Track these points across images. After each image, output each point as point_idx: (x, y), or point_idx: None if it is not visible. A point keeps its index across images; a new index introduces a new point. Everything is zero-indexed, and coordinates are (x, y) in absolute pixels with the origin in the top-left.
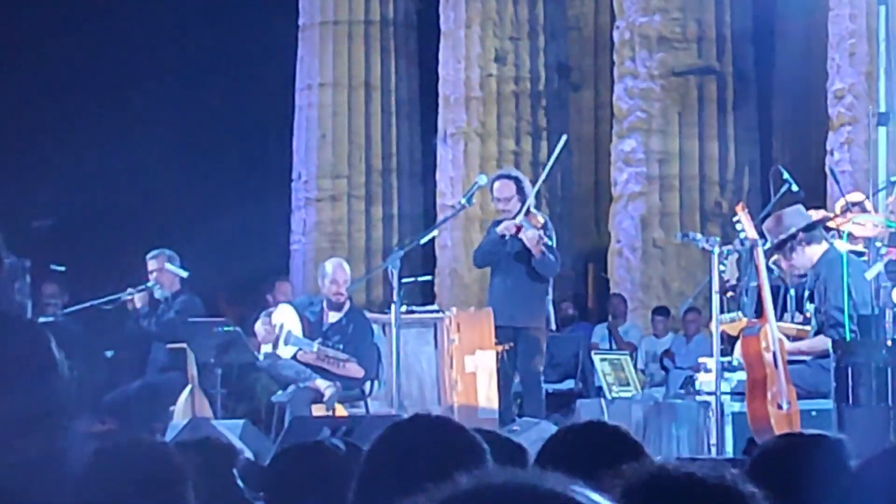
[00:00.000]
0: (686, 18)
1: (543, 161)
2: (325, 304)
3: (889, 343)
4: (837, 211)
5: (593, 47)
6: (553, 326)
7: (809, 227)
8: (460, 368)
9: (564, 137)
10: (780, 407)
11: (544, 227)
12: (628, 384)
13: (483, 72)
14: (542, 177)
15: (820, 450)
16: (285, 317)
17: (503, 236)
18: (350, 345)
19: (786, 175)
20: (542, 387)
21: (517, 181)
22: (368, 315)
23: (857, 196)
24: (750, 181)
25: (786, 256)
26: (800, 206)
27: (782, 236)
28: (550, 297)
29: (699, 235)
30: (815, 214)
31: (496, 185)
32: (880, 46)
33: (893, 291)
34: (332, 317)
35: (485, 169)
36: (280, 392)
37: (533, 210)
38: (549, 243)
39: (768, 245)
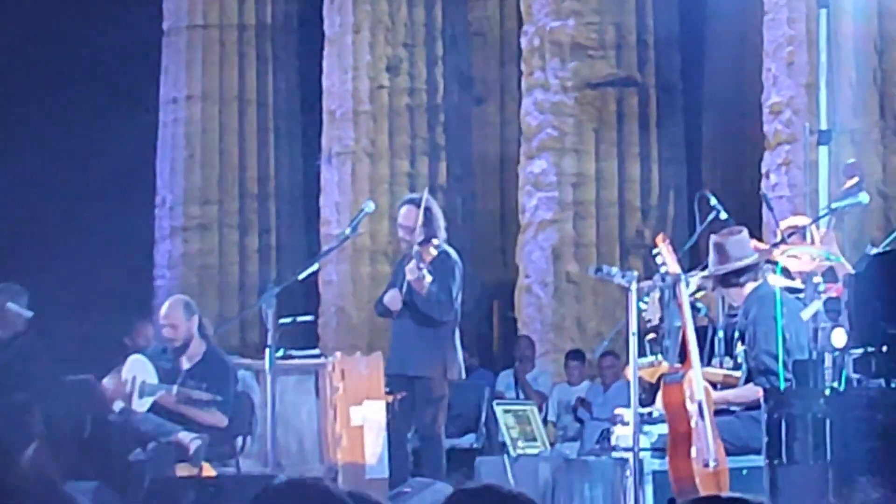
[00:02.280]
0: (603, 23)
1: (442, 184)
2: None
3: (827, 392)
4: (779, 238)
5: (498, 55)
6: (463, 375)
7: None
8: (345, 421)
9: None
10: (706, 465)
11: (434, 261)
12: (535, 439)
13: (373, 83)
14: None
15: None
16: (137, 368)
17: None
18: (210, 393)
19: (713, 201)
20: (442, 443)
21: (426, 209)
22: (241, 361)
23: (798, 220)
24: (676, 207)
25: (721, 291)
26: (744, 234)
27: (730, 267)
28: (457, 342)
29: (615, 270)
30: (760, 245)
31: (401, 210)
32: (821, 55)
33: (833, 333)
34: (186, 363)
35: (375, 193)
36: (138, 450)
37: (436, 242)
38: (432, 280)
39: (701, 275)
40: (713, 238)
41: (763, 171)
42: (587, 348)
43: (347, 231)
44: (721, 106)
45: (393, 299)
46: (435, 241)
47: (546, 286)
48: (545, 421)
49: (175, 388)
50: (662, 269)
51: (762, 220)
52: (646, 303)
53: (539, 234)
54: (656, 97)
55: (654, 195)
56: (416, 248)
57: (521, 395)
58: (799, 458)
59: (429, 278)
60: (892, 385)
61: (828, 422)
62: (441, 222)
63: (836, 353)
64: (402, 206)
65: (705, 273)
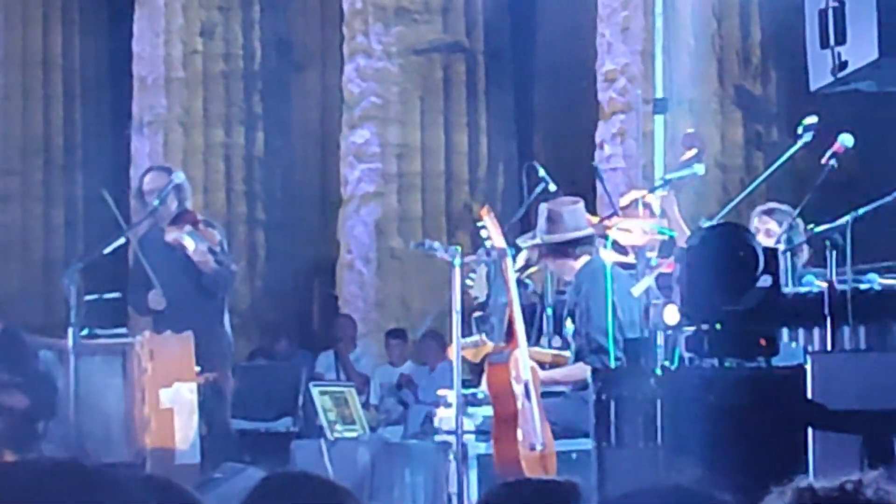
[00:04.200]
0: None
1: (259, 155)
2: None
3: (658, 372)
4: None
5: (319, 19)
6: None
7: (583, 239)
8: (154, 404)
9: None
10: (532, 448)
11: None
12: (354, 422)
13: (186, 48)
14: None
15: (549, 498)
16: None
17: None
18: (4, 373)
19: (541, 172)
20: (228, 423)
21: (169, 173)
22: (42, 340)
23: (638, 194)
24: (505, 179)
25: (551, 262)
26: (581, 205)
27: (564, 237)
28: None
29: (437, 244)
30: (591, 218)
31: (145, 178)
32: (657, 20)
33: (665, 310)
34: None
35: (189, 164)
36: None
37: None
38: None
39: (530, 243)
40: (546, 206)
41: (597, 141)
42: (412, 327)
43: (156, 203)
44: (553, 73)
45: (157, 300)
46: (200, 217)
47: (369, 262)
48: (367, 404)
49: None
50: (488, 244)
51: (596, 193)
52: (472, 279)
53: (362, 207)
54: (485, 64)
55: (482, 167)
56: (187, 227)
57: (343, 377)
58: (628, 440)
59: (211, 258)
60: (726, 364)
61: (658, 403)
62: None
63: (669, 330)
64: (147, 172)
65: (537, 240)
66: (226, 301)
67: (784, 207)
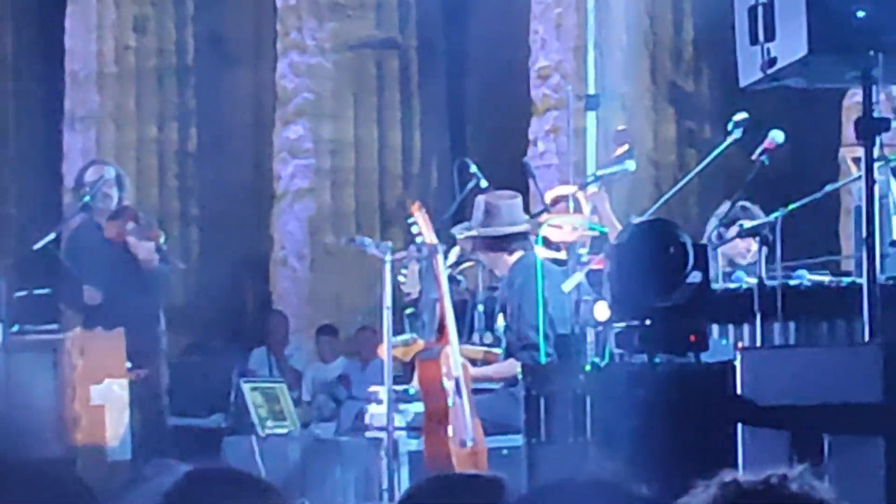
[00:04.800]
0: None
1: (193, 151)
2: None
3: (588, 368)
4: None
5: (253, 15)
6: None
7: (518, 235)
8: (84, 401)
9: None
10: (463, 444)
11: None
12: (285, 418)
13: (119, 43)
14: None
15: (474, 493)
16: None
17: None
18: None
19: (473, 168)
20: (164, 418)
21: (119, 175)
22: None
23: (564, 189)
24: (439, 175)
25: (485, 256)
26: (519, 200)
27: (500, 231)
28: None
29: (368, 240)
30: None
31: (87, 171)
32: (589, 17)
33: (596, 306)
34: None
35: (121, 160)
36: None
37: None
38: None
39: (466, 234)
40: (484, 198)
41: (530, 137)
42: (345, 323)
43: (87, 198)
44: (487, 70)
45: (92, 295)
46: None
47: (302, 258)
48: (300, 401)
49: None
50: (418, 240)
51: (529, 189)
52: (405, 275)
53: (295, 203)
54: (418, 60)
55: (415, 163)
56: (130, 224)
57: (276, 373)
58: (558, 436)
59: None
60: (655, 360)
61: (588, 398)
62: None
63: (599, 327)
64: (89, 166)
65: (473, 232)
66: (161, 298)
67: (749, 205)
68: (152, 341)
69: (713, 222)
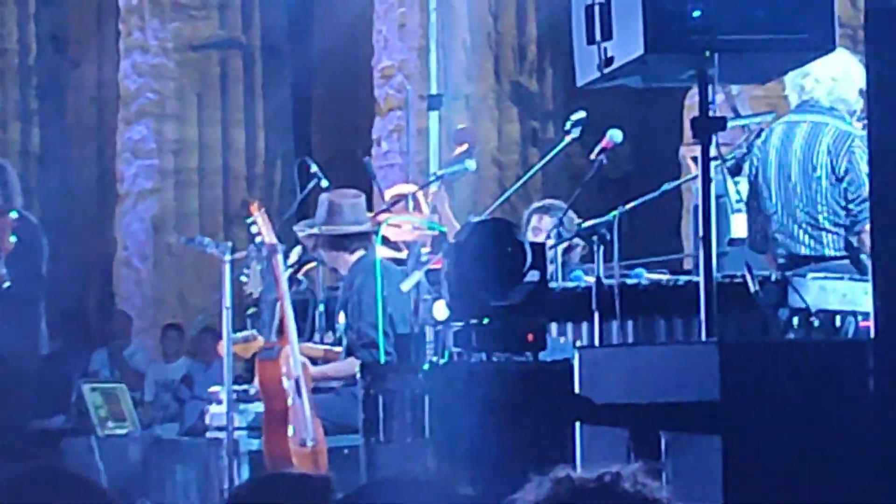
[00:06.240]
0: None
1: (36, 151)
2: None
3: (427, 367)
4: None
5: (96, 14)
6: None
7: (361, 234)
8: None
9: None
10: (303, 444)
11: (17, 230)
12: (125, 419)
13: None
14: None
15: (302, 492)
16: None
17: None
18: None
19: (314, 167)
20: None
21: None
22: None
23: (404, 188)
24: (283, 175)
25: (326, 254)
26: (363, 199)
27: (344, 230)
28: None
29: (207, 240)
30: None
31: None
32: (431, 16)
33: (434, 306)
34: None
35: None
36: None
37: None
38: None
39: (308, 232)
40: (328, 196)
41: (374, 137)
42: (189, 324)
43: None
44: (331, 70)
45: None
46: (13, 215)
47: (146, 259)
48: (142, 401)
49: None
50: (258, 240)
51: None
52: (247, 275)
53: (138, 203)
54: (262, 60)
55: (259, 163)
56: None
57: (117, 374)
58: (396, 435)
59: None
60: (493, 359)
61: (426, 398)
62: (18, 187)
63: (438, 326)
64: None
65: (315, 230)
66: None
67: (559, 203)
68: None
69: (529, 214)
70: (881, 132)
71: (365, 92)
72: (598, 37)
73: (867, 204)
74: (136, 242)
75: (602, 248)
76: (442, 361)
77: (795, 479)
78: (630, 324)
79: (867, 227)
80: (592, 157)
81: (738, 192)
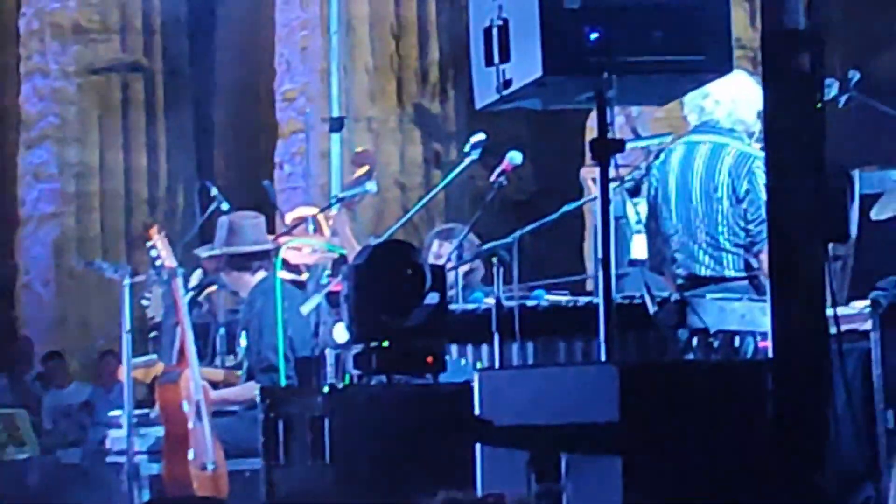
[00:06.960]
0: (106, 5)
1: None
2: None
3: (327, 389)
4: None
5: None
6: None
7: (262, 254)
8: None
9: None
10: (203, 467)
11: None
12: (24, 444)
13: None
14: None
15: None
16: None
17: None
18: None
19: (214, 191)
20: None
21: None
22: None
23: (304, 211)
24: (185, 198)
25: (227, 276)
26: (262, 220)
27: (243, 250)
28: None
29: (106, 264)
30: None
31: None
32: (333, 39)
33: (335, 328)
34: None
35: None
36: None
37: None
38: None
39: (209, 253)
40: (227, 217)
41: (277, 160)
42: (91, 348)
43: None
44: (233, 92)
45: None
46: None
47: (48, 283)
48: (40, 425)
49: None
50: (158, 263)
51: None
52: (149, 298)
53: (40, 228)
54: (164, 83)
55: (161, 186)
56: None
57: (18, 399)
58: (297, 458)
59: None
60: (394, 381)
61: (326, 421)
62: None
63: (338, 349)
64: None
65: (216, 251)
66: None
67: (460, 227)
68: None
69: (430, 239)
70: (777, 154)
71: (267, 115)
72: (496, 59)
73: (766, 225)
74: (38, 267)
75: (502, 269)
76: (342, 384)
77: (694, 500)
78: (530, 345)
79: (766, 247)
80: (492, 179)
81: (637, 213)
